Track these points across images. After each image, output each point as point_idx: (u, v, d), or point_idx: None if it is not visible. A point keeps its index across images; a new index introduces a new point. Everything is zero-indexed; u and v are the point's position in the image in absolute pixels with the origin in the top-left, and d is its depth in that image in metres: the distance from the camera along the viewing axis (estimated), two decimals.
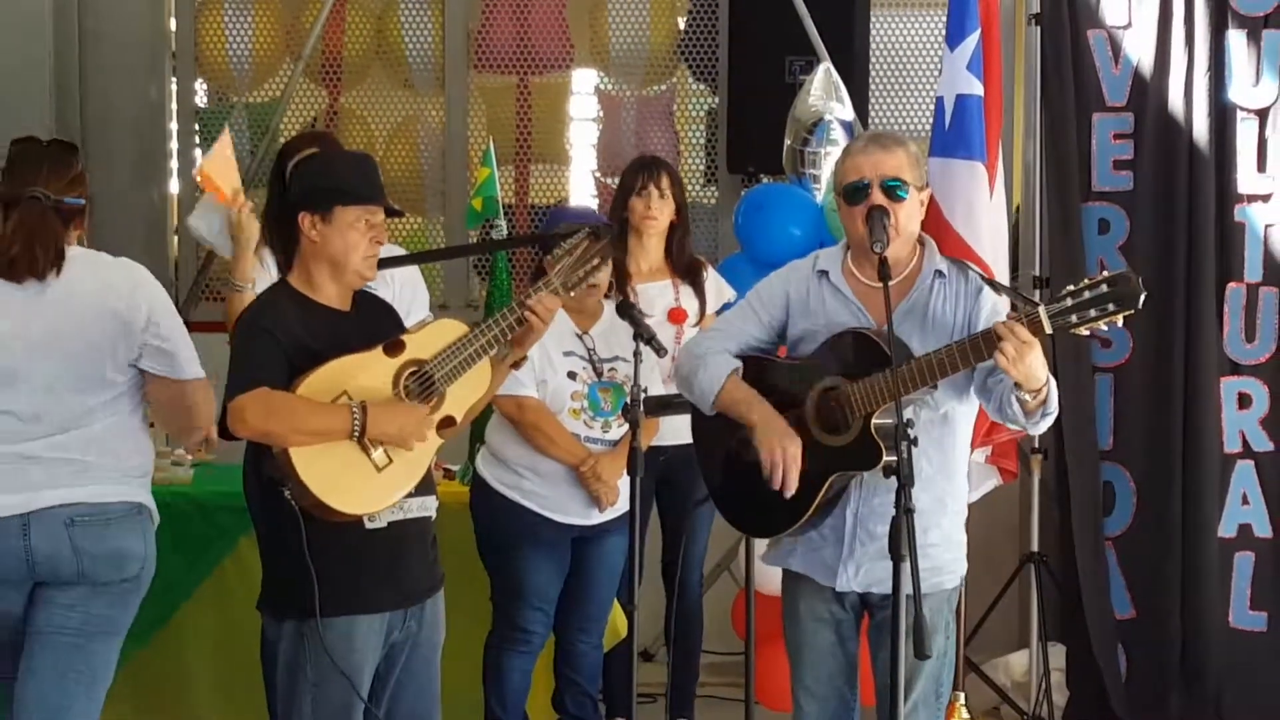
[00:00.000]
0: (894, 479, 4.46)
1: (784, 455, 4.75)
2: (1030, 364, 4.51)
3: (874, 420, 4.69)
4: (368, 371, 4.68)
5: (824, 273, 4.94)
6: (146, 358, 4.96)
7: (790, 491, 4.76)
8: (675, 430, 6.34)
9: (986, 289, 4.89)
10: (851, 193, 4.82)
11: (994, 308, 4.86)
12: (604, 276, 6.23)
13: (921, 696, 4.88)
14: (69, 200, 4.97)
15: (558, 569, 6.34)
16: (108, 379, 4.93)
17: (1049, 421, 4.80)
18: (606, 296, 6.34)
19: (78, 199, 5.01)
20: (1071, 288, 4.53)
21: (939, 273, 4.90)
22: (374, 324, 4.86)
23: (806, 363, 4.89)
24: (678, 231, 6.82)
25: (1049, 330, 4.52)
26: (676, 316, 6.75)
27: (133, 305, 4.95)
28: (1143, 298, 4.45)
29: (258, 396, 4.56)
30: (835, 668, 4.98)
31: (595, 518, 6.26)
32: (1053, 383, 4.69)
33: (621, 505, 6.23)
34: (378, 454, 4.66)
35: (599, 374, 6.24)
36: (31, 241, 4.84)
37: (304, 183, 4.92)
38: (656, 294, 6.75)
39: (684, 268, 6.82)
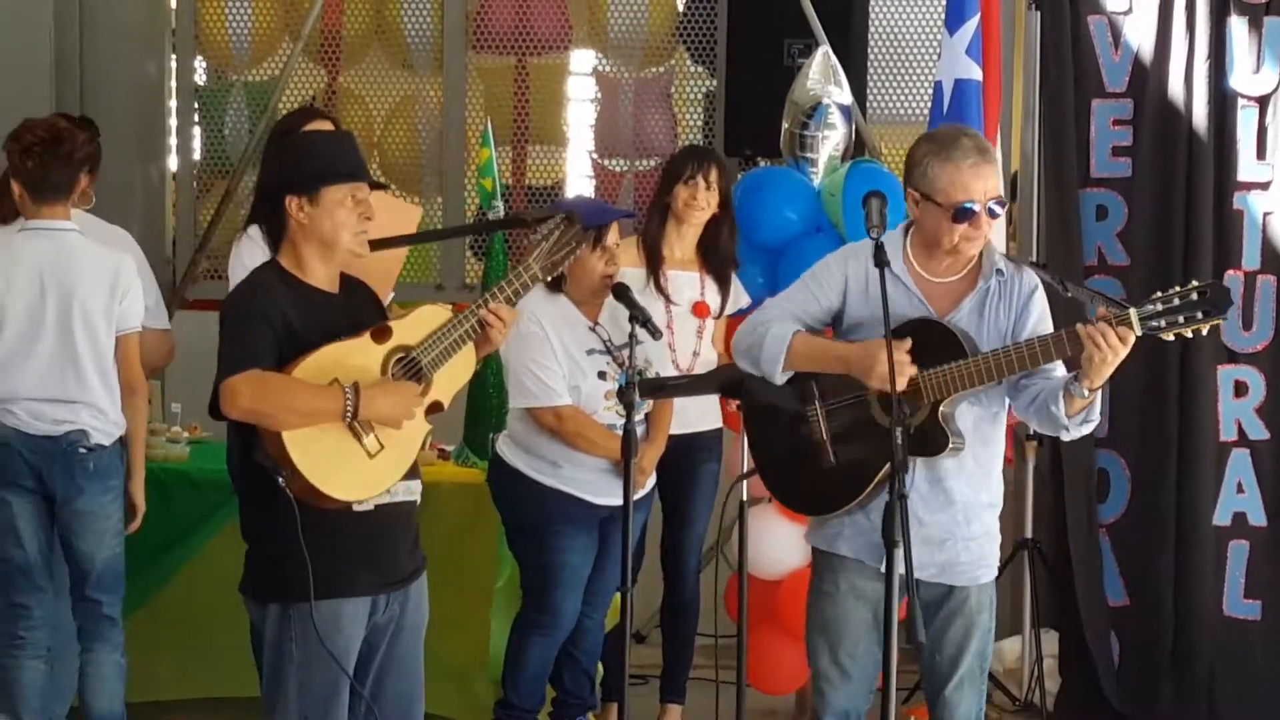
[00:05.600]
0: (946, 467, 4.79)
1: (898, 357, 4.74)
2: (1118, 356, 4.64)
3: (942, 408, 4.81)
4: (357, 358, 4.66)
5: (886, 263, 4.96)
6: None
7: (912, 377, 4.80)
8: (681, 418, 6.49)
9: (1039, 292, 4.98)
10: (960, 213, 4.82)
11: (1042, 313, 4.96)
12: (613, 263, 6.25)
13: (968, 673, 5.04)
14: None
15: (589, 551, 6.36)
16: None
17: (1089, 428, 4.90)
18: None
19: None
20: (1160, 294, 4.64)
21: (999, 271, 4.97)
22: (359, 307, 4.84)
23: None
24: (721, 225, 6.80)
25: (1138, 333, 4.62)
26: (700, 311, 6.73)
27: None
28: (1231, 307, 4.63)
29: (250, 378, 4.54)
30: (871, 645, 5.04)
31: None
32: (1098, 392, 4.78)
33: (646, 485, 6.37)
34: (369, 440, 4.65)
35: (621, 364, 6.23)
36: None
37: (286, 165, 4.89)
38: (684, 283, 6.74)
39: (718, 262, 6.78)
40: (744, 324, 5.19)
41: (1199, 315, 4.58)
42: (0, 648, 6.08)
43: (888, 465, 4.78)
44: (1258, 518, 7.21)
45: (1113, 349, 4.60)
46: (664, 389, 6.16)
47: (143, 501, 6.20)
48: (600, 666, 6.77)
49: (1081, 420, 4.83)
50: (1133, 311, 4.62)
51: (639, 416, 6.14)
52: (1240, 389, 7.21)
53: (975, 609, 5.03)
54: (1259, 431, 7.21)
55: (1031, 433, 7.48)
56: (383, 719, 4.85)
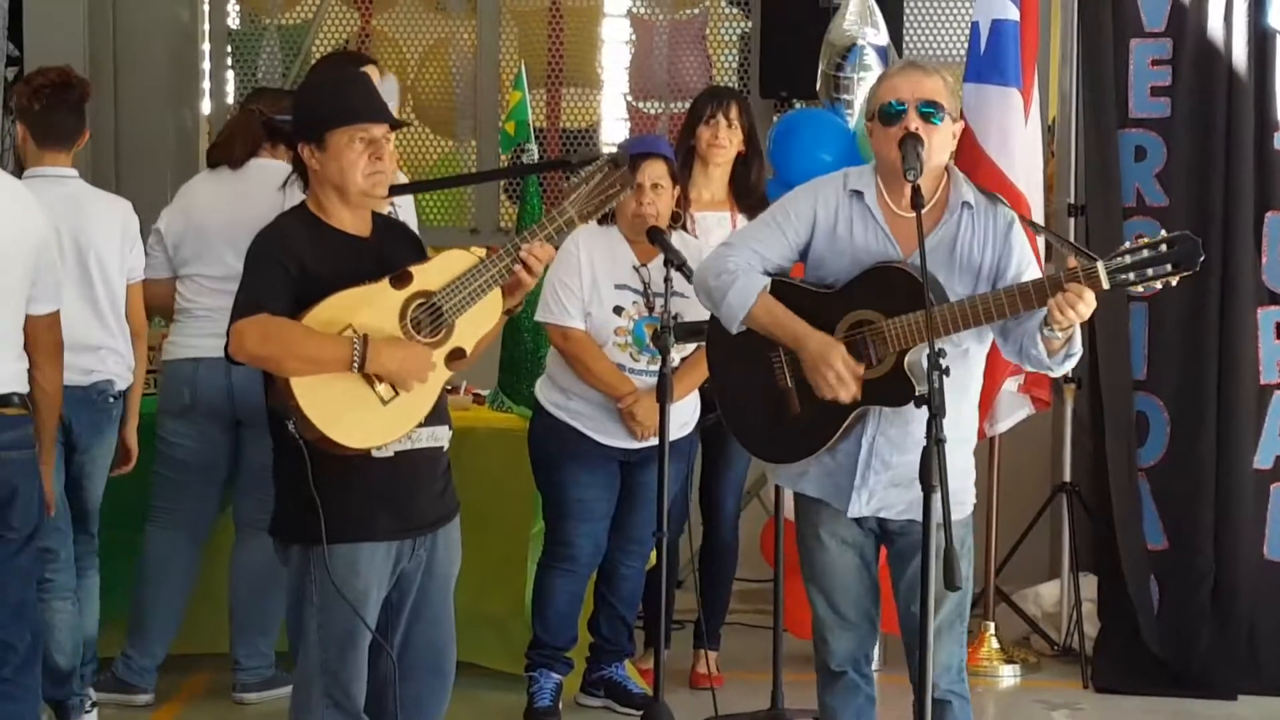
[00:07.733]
0: (913, 410, 4.50)
1: (841, 369, 4.71)
2: (1083, 315, 4.54)
3: (908, 357, 4.69)
4: (373, 304, 4.60)
5: (857, 193, 4.86)
6: None
7: (850, 399, 4.72)
8: None
9: (1016, 226, 4.84)
10: (887, 114, 4.74)
11: (1024, 249, 4.83)
12: (665, 207, 6.22)
13: (944, 622, 4.85)
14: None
15: (605, 488, 6.34)
16: None
17: (1072, 363, 4.79)
18: (671, 227, 6.28)
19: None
20: (1129, 245, 4.54)
21: (966, 204, 4.83)
22: (392, 250, 4.77)
23: (837, 292, 4.84)
24: (752, 163, 6.80)
25: (1106, 287, 4.52)
26: None
27: None
28: (1201, 259, 4.49)
29: (257, 321, 4.51)
30: (862, 590, 4.98)
31: (641, 442, 6.25)
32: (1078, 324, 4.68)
33: (672, 432, 6.19)
34: (383, 387, 4.59)
35: (651, 308, 6.21)
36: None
37: (298, 112, 4.84)
38: (714, 223, 6.72)
39: (748, 200, 6.74)
40: (711, 259, 4.99)
41: (1168, 268, 4.49)
42: None
43: (856, 410, 4.75)
44: None
45: (1080, 314, 4.52)
46: (700, 333, 6.11)
47: (135, 445, 6.30)
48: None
49: (1064, 357, 4.71)
50: (1100, 265, 4.52)
51: (657, 366, 6.11)
52: None
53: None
54: None
55: (1069, 375, 7.45)
56: (414, 666, 4.85)
